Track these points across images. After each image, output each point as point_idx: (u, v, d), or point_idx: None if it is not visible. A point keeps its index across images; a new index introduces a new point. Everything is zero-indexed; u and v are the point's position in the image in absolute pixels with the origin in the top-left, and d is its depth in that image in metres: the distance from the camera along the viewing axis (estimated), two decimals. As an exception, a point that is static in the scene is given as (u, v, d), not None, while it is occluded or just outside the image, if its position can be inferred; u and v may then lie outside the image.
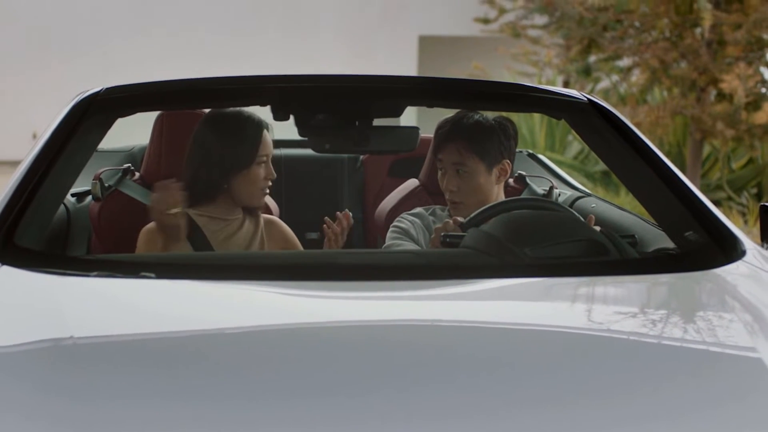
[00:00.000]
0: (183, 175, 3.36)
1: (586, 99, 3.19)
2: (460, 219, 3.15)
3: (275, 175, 3.37)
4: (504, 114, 3.75)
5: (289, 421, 1.84)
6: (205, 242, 3.29)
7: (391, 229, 3.53)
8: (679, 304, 2.54)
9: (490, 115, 3.61)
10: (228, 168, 3.31)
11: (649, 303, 2.52)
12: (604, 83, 11.90)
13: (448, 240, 2.90)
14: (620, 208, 3.74)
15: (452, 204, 3.52)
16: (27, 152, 2.90)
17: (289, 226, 3.52)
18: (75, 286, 2.39)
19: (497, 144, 3.52)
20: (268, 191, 3.39)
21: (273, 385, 1.94)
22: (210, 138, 3.33)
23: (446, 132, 3.54)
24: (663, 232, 3.03)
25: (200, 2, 16.80)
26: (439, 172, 3.56)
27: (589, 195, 4.08)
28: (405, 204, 3.75)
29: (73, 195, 3.84)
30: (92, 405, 1.87)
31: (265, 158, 3.34)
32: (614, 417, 1.90)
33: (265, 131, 3.36)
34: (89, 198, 3.79)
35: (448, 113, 3.71)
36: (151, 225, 3.33)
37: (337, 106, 3.20)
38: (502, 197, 3.54)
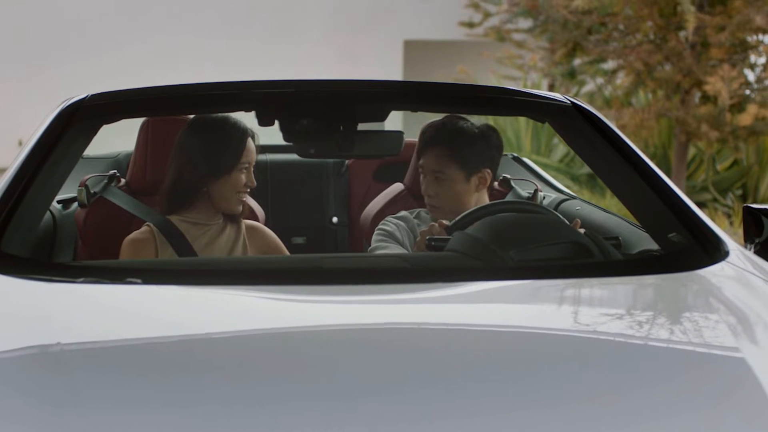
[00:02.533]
0: (166, 180, 3.37)
1: (569, 102, 3.19)
2: (445, 222, 3.16)
3: (255, 183, 3.37)
4: (488, 117, 3.77)
5: (275, 426, 1.84)
6: (188, 248, 3.29)
7: (376, 231, 3.54)
8: (663, 305, 2.55)
9: (477, 122, 3.62)
10: (208, 172, 3.32)
11: (633, 304, 2.53)
12: (589, 86, 11.92)
13: (433, 243, 2.91)
14: (604, 210, 3.76)
15: (431, 208, 3.56)
16: (12, 159, 2.89)
17: (275, 231, 3.53)
18: (61, 292, 2.39)
19: (478, 152, 3.52)
20: (245, 198, 3.39)
21: (260, 389, 1.95)
22: (193, 142, 3.34)
23: (428, 138, 3.56)
24: (647, 234, 3.04)
25: (186, 9, 16.78)
26: (421, 177, 3.58)
27: (573, 197, 4.09)
28: (390, 208, 3.76)
29: (59, 202, 3.84)
30: (79, 411, 1.87)
31: (247, 165, 3.35)
32: (599, 418, 1.91)
33: (249, 139, 3.37)
34: (75, 205, 3.79)
35: (434, 117, 3.72)
36: (134, 235, 3.33)
37: (322, 110, 3.21)
38: (485, 202, 3.55)
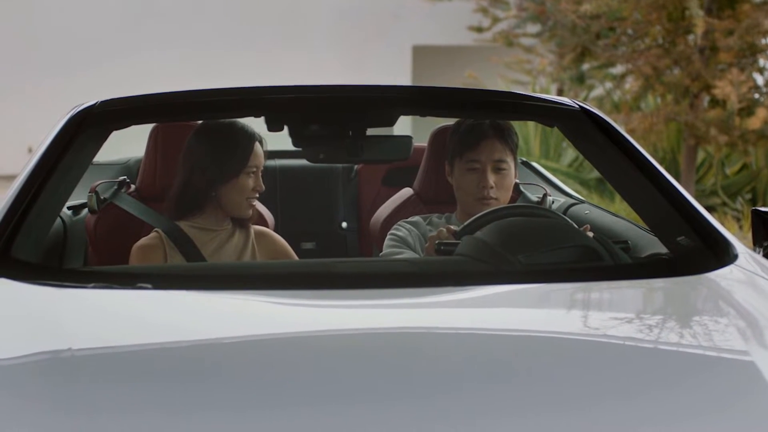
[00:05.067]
0: (174, 186, 3.38)
1: (577, 106, 3.19)
2: (453, 227, 3.16)
3: (263, 187, 3.38)
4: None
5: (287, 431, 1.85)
6: (197, 254, 3.30)
7: (388, 236, 3.54)
8: (672, 308, 2.55)
9: None
10: (216, 176, 3.32)
11: (642, 308, 2.53)
12: (598, 91, 11.92)
13: (442, 248, 2.91)
14: (613, 215, 3.76)
15: (485, 201, 3.49)
16: (23, 166, 2.91)
17: (285, 237, 3.53)
18: (72, 297, 2.40)
19: (516, 146, 3.56)
20: (255, 203, 3.40)
21: (271, 394, 1.95)
22: (201, 147, 3.35)
23: (478, 131, 3.52)
24: (656, 238, 3.04)
25: (194, 18, 16.82)
26: (468, 174, 3.53)
27: (582, 202, 4.09)
28: (399, 213, 3.76)
29: (69, 208, 3.84)
30: (89, 417, 1.87)
31: (254, 169, 3.35)
32: (609, 422, 1.91)
33: (257, 143, 3.37)
34: (85, 211, 3.80)
35: (443, 122, 3.72)
36: (143, 241, 3.34)
37: (331, 116, 3.21)
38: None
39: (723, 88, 9.40)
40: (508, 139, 3.53)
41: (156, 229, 3.37)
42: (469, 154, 3.52)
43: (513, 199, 3.89)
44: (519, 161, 4.57)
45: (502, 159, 3.51)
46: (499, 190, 3.51)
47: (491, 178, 3.50)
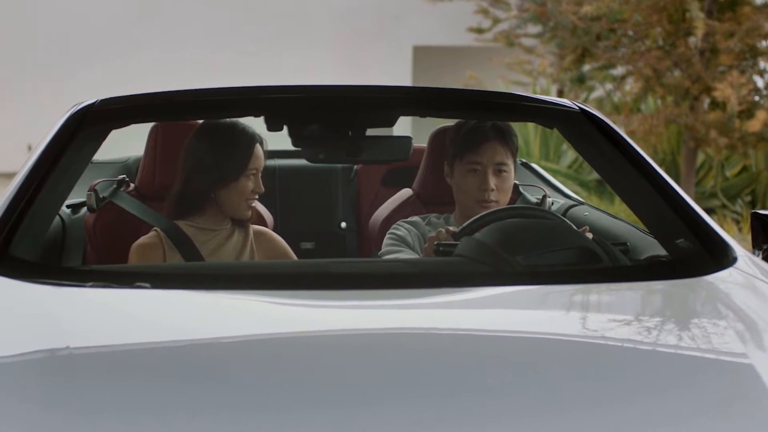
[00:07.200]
0: (174, 185, 3.38)
1: (577, 108, 3.19)
2: (452, 228, 3.16)
3: (263, 189, 3.37)
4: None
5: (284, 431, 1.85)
6: (196, 253, 3.30)
7: (387, 235, 3.54)
8: (670, 311, 2.55)
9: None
10: (216, 178, 3.32)
11: (641, 310, 2.53)
12: (598, 92, 11.92)
13: (441, 249, 2.91)
14: (613, 216, 3.76)
15: (485, 203, 3.47)
16: (22, 164, 2.90)
17: (284, 236, 3.53)
18: (70, 296, 2.40)
19: (516, 148, 3.56)
20: (254, 204, 3.40)
21: (269, 394, 1.95)
22: (201, 148, 3.34)
23: (480, 133, 3.52)
24: (655, 240, 3.04)
25: (195, 19, 16.82)
26: (468, 175, 3.52)
27: (581, 203, 4.09)
28: (399, 213, 3.75)
29: (68, 206, 3.84)
30: (87, 416, 1.87)
31: (254, 171, 3.34)
32: (608, 425, 1.91)
33: (257, 145, 3.37)
34: (84, 209, 3.80)
35: (443, 122, 3.72)
36: (142, 240, 3.34)
37: (330, 116, 3.21)
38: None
39: (723, 91, 9.40)
40: (509, 141, 3.53)
41: (155, 228, 3.36)
42: (470, 155, 3.51)
43: (512, 201, 3.89)
44: (519, 162, 4.57)
45: (503, 162, 3.50)
46: (500, 193, 3.50)
47: (492, 181, 3.49)
